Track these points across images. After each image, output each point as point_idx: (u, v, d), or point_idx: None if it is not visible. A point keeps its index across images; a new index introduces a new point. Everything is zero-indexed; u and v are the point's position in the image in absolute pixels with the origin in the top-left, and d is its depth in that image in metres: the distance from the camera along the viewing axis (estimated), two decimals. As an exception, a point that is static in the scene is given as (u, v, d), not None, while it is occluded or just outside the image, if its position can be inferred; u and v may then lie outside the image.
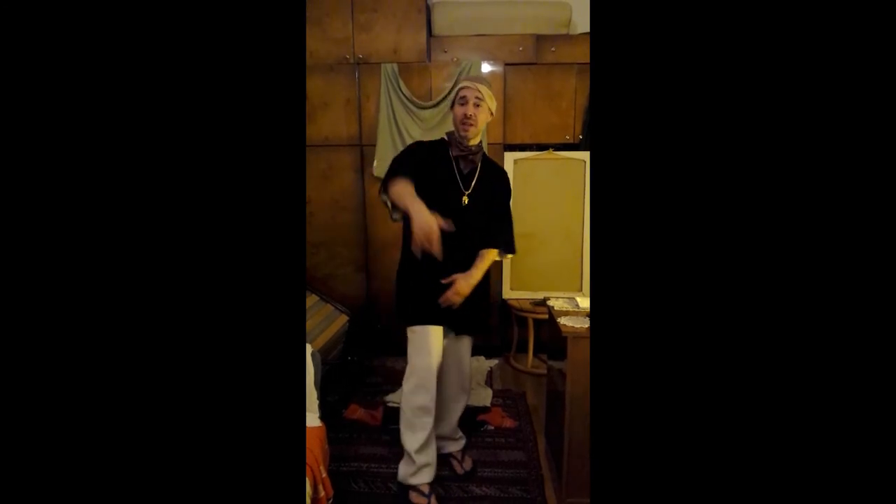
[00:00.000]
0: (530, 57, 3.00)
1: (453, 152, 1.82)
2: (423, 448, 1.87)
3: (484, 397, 2.66)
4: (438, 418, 1.95)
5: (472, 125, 1.75)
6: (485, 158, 1.89)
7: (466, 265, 1.81)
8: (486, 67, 2.97)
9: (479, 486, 2.01)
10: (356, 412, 2.54)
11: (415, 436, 1.86)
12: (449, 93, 2.94)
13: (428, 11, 3.02)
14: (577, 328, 1.77)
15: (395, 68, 2.95)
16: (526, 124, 3.07)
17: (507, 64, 2.98)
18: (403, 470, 1.93)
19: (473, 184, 1.83)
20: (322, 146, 3.06)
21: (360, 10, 2.95)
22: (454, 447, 2.11)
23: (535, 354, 3.08)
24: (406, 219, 1.75)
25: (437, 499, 1.92)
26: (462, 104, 1.75)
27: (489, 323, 1.97)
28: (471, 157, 1.82)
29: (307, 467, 1.53)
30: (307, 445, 1.55)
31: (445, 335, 1.89)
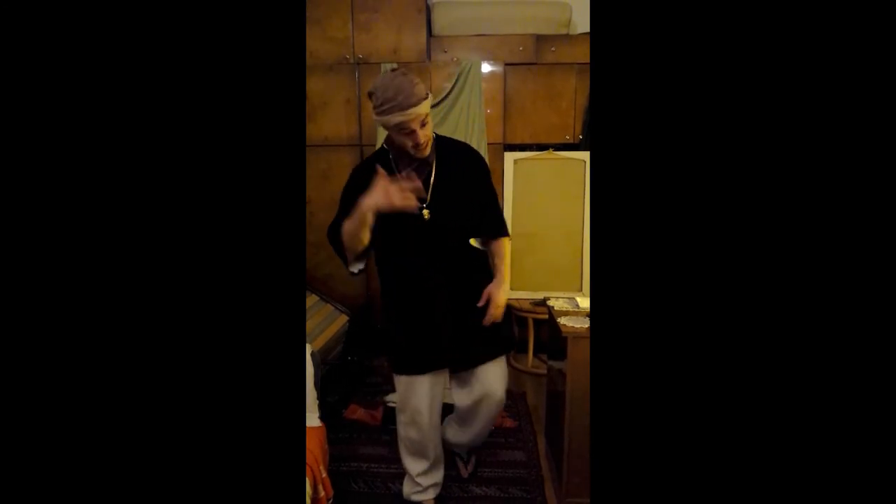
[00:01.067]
0: (530, 57, 3.00)
1: (401, 167, 1.55)
2: (425, 473, 1.80)
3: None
4: (460, 437, 1.87)
5: (426, 145, 1.49)
6: (440, 149, 1.57)
7: (452, 284, 1.58)
8: (486, 67, 2.97)
9: (479, 486, 2.01)
10: (356, 412, 2.55)
11: (416, 463, 1.80)
12: (449, 93, 2.94)
13: (428, 11, 3.02)
14: (577, 328, 1.77)
15: (396, 68, 2.95)
16: (526, 124, 3.07)
17: (507, 64, 2.98)
18: (407, 488, 1.86)
19: (431, 189, 1.54)
20: (322, 146, 3.06)
21: (360, 10, 2.95)
22: (462, 449, 2.06)
23: (535, 354, 3.08)
24: (380, 264, 1.61)
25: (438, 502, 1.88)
26: (407, 133, 1.44)
27: (510, 335, 1.76)
28: (423, 162, 1.54)
29: (307, 467, 1.53)
30: (307, 445, 1.55)
31: (456, 372, 1.70)
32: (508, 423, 2.46)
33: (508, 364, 3.10)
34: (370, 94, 1.46)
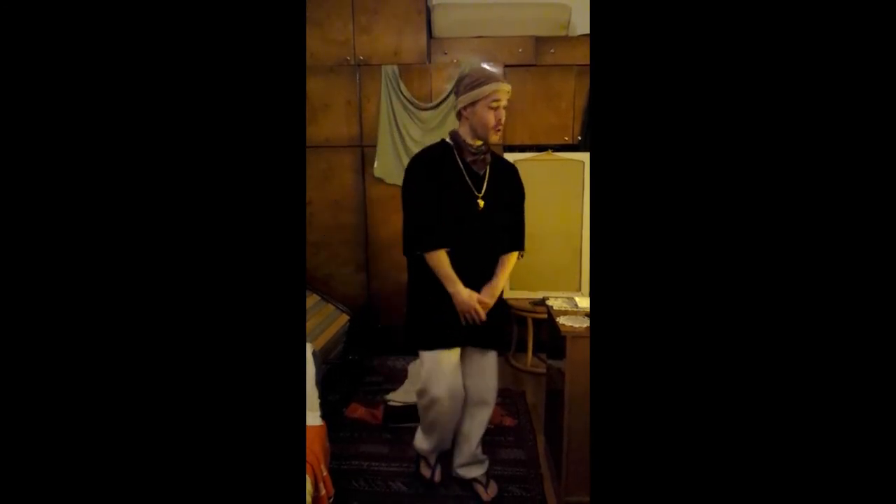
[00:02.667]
0: (530, 58, 3.01)
1: (465, 157, 1.70)
2: (433, 448, 1.97)
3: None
4: (459, 433, 1.92)
5: (501, 129, 1.67)
6: (493, 156, 1.78)
7: (486, 270, 1.75)
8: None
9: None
10: (357, 411, 2.55)
11: (425, 439, 1.95)
12: (449, 94, 2.95)
13: (428, 13, 3.03)
14: (575, 328, 1.77)
15: (396, 70, 2.96)
16: (525, 125, 3.08)
17: (506, 65, 2.99)
18: (418, 441, 2.00)
19: (485, 185, 1.72)
20: (323, 147, 3.07)
21: (361, 12, 2.96)
22: (478, 472, 1.94)
23: (534, 353, 3.09)
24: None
25: (442, 469, 2.01)
26: (495, 108, 1.62)
27: (505, 335, 1.90)
28: (482, 157, 1.71)
29: (308, 466, 1.54)
30: (308, 444, 1.56)
31: (467, 352, 1.83)
32: (508, 421, 2.47)
33: (508, 363, 3.13)
34: (461, 76, 1.65)
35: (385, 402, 2.58)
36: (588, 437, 1.71)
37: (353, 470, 2.11)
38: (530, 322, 3.02)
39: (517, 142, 3.09)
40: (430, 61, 3.03)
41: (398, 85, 2.96)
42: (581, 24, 3.16)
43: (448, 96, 2.96)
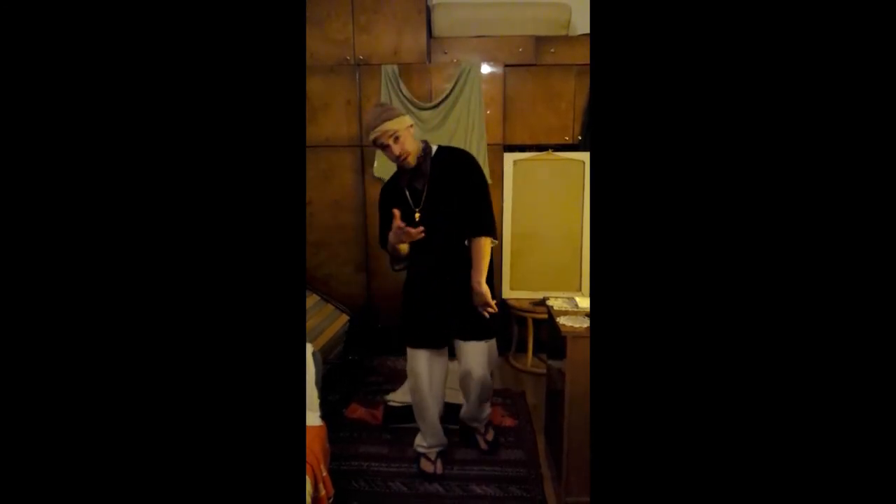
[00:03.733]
0: (530, 58, 3.00)
1: (402, 181, 1.92)
2: (426, 435, 2.11)
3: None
4: (464, 411, 2.20)
5: (407, 156, 1.83)
6: (436, 159, 1.89)
7: (446, 271, 1.92)
8: (485, 69, 2.98)
9: (479, 484, 2.02)
10: (357, 411, 2.55)
11: (424, 437, 2.12)
12: (449, 94, 2.95)
13: (428, 13, 3.03)
14: (576, 328, 1.77)
15: (396, 69, 2.96)
16: (525, 125, 3.07)
17: (506, 65, 2.98)
18: (417, 440, 2.15)
19: (425, 194, 1.89)
20: (323, 147, 3.07)
21: (361, 12, 2.96)
22: (477, 423, 2.24)
23: (534, 354, 3.09)
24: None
25: (443, 464, 2.13)
26: (385, 148, 1.82)
27: (489, 326, 1.98)
28: (419, 170, 1.88)
29: (308, 466, 1.54)
30: (308, 444, 1.55)
31: (452, 345, 2.04)
32: (508, 421, 2.46)
33: (508, 364, 3.12)
34: (369, 125, 1.84)
35: (385, 402, 2.58)
36: (588, 437, 1.71)
37: (352, 470, 2.11)
38: (530, 322, 3.02)
39: (517, 141, 3.08)
40: (430, 61, 3.03)
41: (398, 84, 2.96)
42: (581, 23, 3.16)
43: (448, 96, 2.96)
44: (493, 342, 2.06)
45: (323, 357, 2.21)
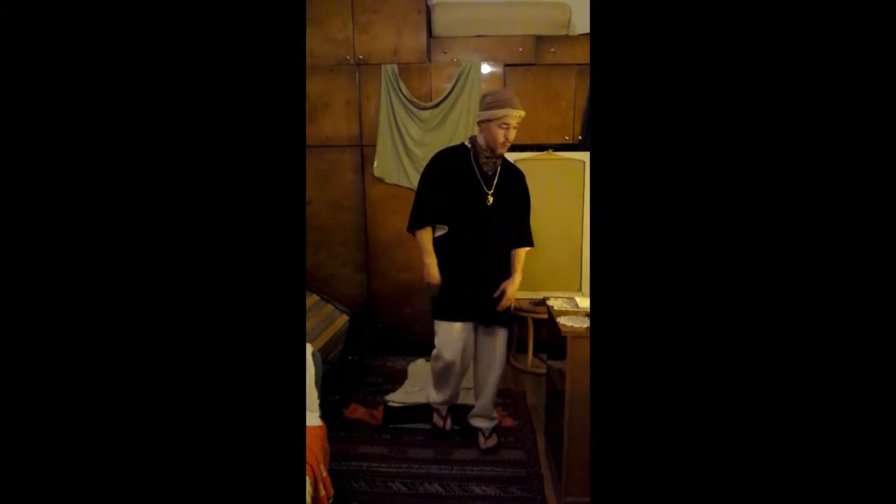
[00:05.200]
0: (530, 58, 3.00)
1: (478, 159, 2.08)
2: (445, 400, 2.29)
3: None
4: (477, 393, 2.30)
5: (507, 146, 2.03)
6: (504, 161, 2.14)
7: (495, 257, 2.12)
8: (485, 68, 2.98)
9: (479, 485, 2.01)
10: (356, 411, 2.55)
11: (438, 394, 2.28)
12: (449, 93, 2.95)
13: (428, 12, 3.03)
14: (576, 328, 1.77)
15: (396, 69, 2.96)
16: (525, 125, 3.03)
17: (506, 65, 2.98)
18: (431, 396, 2.32)
19: (495, 184, 2.09)
20: (322, 146, 3.07)
21: (361, 11, 2.96)
22: (483, 424, 2.30)
23: (534, 354, 3.09)
24: (446, 236, 2.13)
25: (451, 420, 2.34)
26: (504, 129, 1.98)
27: (510, 317, 2.25)
28: (493, 160, 2.08)
29: (308, 466, 1.53)
30: (308, 445, 1.55)
31: (475, 327, 2.20)
32: (508, 422, 2.46)
33: (508, 363, 3.13)
34: (484, 94, 2.13)
35: (385, 402, 2.58)
36: (589, 437, 1.71)
37: (352, 471, 2.10)
38: (531, 322, 3.02)
39: (517, 141, 3.05)
40: (429, 60, 3.03)
41: (398, 84, 2.96)
42: (582, 23, 3.15)
43: (448, 95, 2.95)
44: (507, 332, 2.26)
45: (323, 357, 2.21)
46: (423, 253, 2.12)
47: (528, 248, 2.17)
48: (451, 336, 2.12)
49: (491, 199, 2.07)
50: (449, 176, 2.07)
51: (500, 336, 2.21)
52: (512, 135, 2.00)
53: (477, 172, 2.07)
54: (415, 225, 2.11)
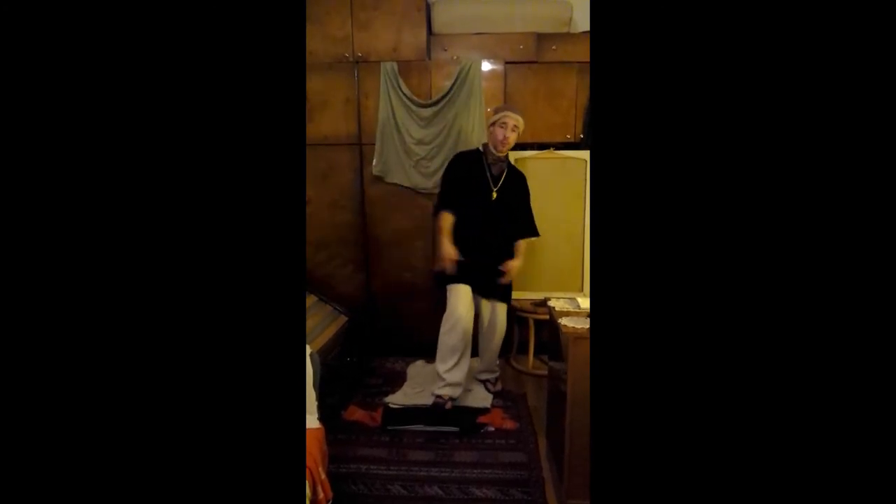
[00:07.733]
0: (531, 55, 2.98)
1: (487, 160, 2.52)
2: (450, 370, 2.48)
3: (484, 398, 2.65)
4: (481, 354, 2.74)
5: (506, 145, 2.44)
6: (510, 165, 2.58)
7: (496, 243, 2.55)
8: (486, 66, 2.96)
9: (480, 487, 2.00)
10: (355, 413, 2.53)
11: (445, 364, 2.49)
12: (449, 91, 2.93)
13: (428, 9, 3.01)
14: (577, 329, 1.75)
15: (395, 67, 2.94)
16: (526, 123, 3.02)
17: (507, 62, 2.96)
18: (440, 368, 2.52)
19: (501, 183, 2.53)
20: (322, 145, 3.05)
21: (360, 9, 2.93)
22: (489, 376, 2.80)
23: (535, 355, 3.07)
24: (457, 222, 2.51)
25: (452, 403, 2.51)
26: (502, 127, 2.41)
27: (508, 293, 2.67)
28: (500, 163, 2.52)
29: (306, 469, 1.52)
30: (306, 447, 1.53)
31: (477, 297, 2.60)
32: (509, 424, 2.45)
33: (509, 365, 3.12)
34: (495, 110, 2.50)
35: (384, 404, 2.56)
36: (589, 439, 1.69)
37: (351, 473, 2.09)
38: (532, 323, 3.00)
39: (518, 140, 3.06)
40: (429, 58, 3.01)
41: (397, 82, 2.94)
42: (583, 21, 3.14)
43: (448, 93, 2.93)
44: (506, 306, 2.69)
45: (322, 358, 2.19)
46: (440, 232, 2.52)
47: (529, 239, 2.61)
48: (461, 295, 2.51)
49: (495, 195, 2.51)
50: (463, 173, 2.51)
51: (501, 308, 2.66)
52: (511, 136, 2.41)
53: (487, 172, 2.51)
54: (439, 208, 2.54)
